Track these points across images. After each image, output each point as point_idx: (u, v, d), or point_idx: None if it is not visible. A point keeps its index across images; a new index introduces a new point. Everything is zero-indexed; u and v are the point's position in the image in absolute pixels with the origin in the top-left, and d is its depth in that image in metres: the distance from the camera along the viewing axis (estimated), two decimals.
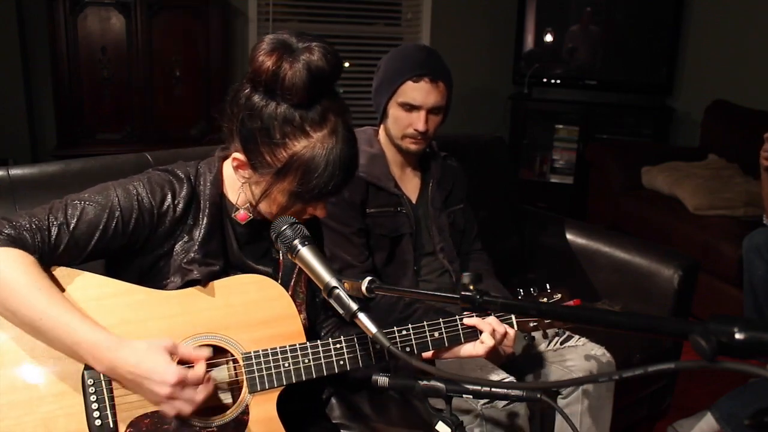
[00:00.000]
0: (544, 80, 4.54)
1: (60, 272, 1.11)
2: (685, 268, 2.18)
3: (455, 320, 1.31)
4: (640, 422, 2.32)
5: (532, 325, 1.37)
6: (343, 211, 1.77)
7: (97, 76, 3.63)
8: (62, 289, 1.09)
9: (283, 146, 1.13)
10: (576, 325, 1.00)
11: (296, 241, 1.09)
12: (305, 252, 1.08)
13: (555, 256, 2.46)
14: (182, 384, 1.03)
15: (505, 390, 1.24)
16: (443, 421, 1.14)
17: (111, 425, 1.07)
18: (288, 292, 1.27)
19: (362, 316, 1.00)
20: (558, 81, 4.53)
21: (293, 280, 1.30)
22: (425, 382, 1.16)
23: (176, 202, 1.19)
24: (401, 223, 1.82)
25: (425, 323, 1.27)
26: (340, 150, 1.13)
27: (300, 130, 1.12)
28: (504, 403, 1.53)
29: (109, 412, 1.07)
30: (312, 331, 1.34)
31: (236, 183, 1.23)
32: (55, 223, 1.09)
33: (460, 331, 1.30)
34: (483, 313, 1.31)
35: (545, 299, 1.38)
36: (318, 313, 1.38)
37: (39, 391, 1.05)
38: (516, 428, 1.53)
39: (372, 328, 0.99)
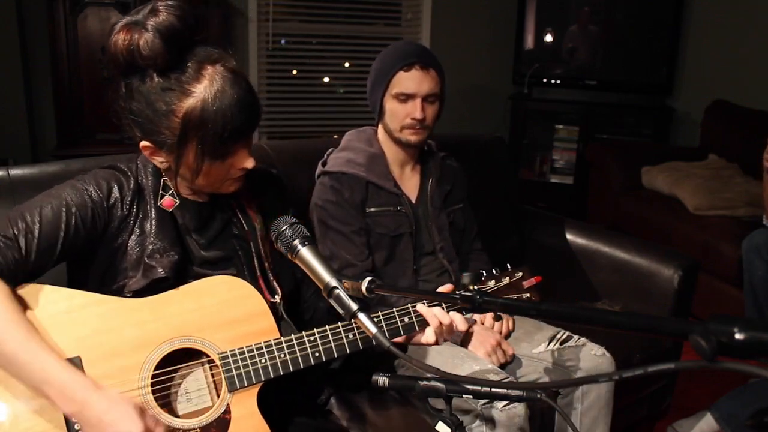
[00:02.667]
0: (544, 80, 4.54)
1: (27, 289, 1.10)
2: (685, 268, 2.18)
3: (423, 304, 1.31)
4: (640, 422, 2.32)
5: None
6: (344, 210, 1.77)
7: (97, 76, 3.62)
8: (31, 306, 1.08)
9: (172, 113, 1.13)
10: (575, 324, 1.00)
11: (296, 241, 1.10)
12: (305, 252, 1.09)
13: (555, 256, 2.46)
14: None
15: (505, 390, 1.23)
16: (443, 421, 1.14)
17: None
18: (264, 262, 1.29)
19: (362, 316, 1.00)
20: (558, 81, 4.53)
21: (262, 252, 1.31)
22: (425, 382, 1.16)
23: (123, 194, 1.20)
24: (401, 222, 1.82)
25: (394, 309, 1.29)
26: (226, 92, 1.13)
27: (180, 91, 1.13)
28: (504, 403, 1.53)
29: None
30: (292, 303, 1.36)
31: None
32: (19, 233, 1.10)
33: None
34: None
35: (507, 278, 1.40)
36: (292, 282, 1.38)
37: (17, 408, 1.04)
38: (516, 428, 1.53)
39: (372, 328, 0.99)
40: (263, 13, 4.22)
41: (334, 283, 1.04)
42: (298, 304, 1.41)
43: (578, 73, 4.53)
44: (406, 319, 1.29)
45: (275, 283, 1.31)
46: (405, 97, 1.76)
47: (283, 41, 4.40)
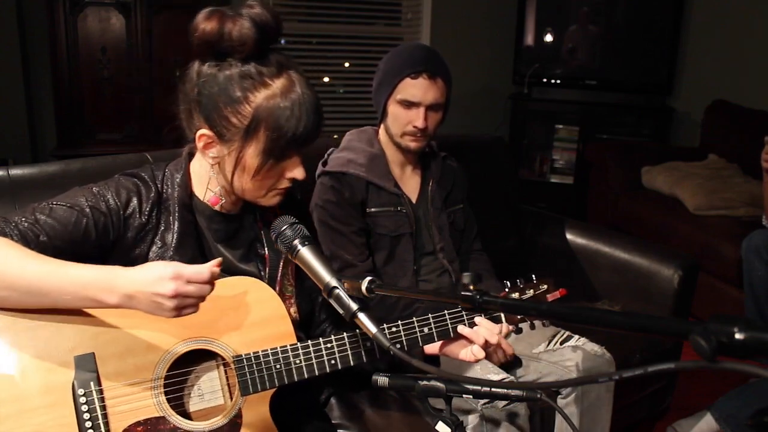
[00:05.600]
0: (544, 80, 4.54)
1: None
2: (685, 268, 2.18)
3: (444, 314, 1.30)
4: (640, 422, 2.32)
5: (519, 317, 1.36)
6: (344, 210, 1.77)
7: (97, 76, 3.63)
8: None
9: (246, 101, 1.12)
10: (575, 324, 1.00)
11: (296, 241, 1.09)
12: (305, 252, 1.09)
13: (555, 256, 2.46)
14: (182, 277, 0.99)
15: (505, 390, 1.23)
16: (443, 421, 1.14)
17: None
18: (275, 286, 1.27)
19: (362, 316, 1.00)
20: (558, 81, 4.53)
21: (280, 274, 1.29)
22: (425, 382, 1.16)
23: (142, 206, 1.18)
24: (401, 223, 1.82)
25: (414, 319, 1.27)
26: (302, 94, 1.13)
27: (259, 82, 1.13)
28: (504, 403, 1.53)
29: (101, 421, 1.06)
30: (303, 325, 1.34)
31: (204, 179, 1.23)
32: (25, 222, 1.09)
33: (449, 326, 1.30)
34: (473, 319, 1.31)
35: (531, 290, 1.38)
36: (309, 305, 1.37)
37: (29, 403, 1.04)
38: (516, 428, 1.53)
39: (372, 328, 0.99)
40: None
41: (334, 282, 1.04)
42: (309, 327, 1.39)
43: (578, 73, 4.53)
44: (426, 330, 1.27)
45: (294, 306, 1.30)
46: (409, 104, 1.76)
47: (283, 41, 4.40)
